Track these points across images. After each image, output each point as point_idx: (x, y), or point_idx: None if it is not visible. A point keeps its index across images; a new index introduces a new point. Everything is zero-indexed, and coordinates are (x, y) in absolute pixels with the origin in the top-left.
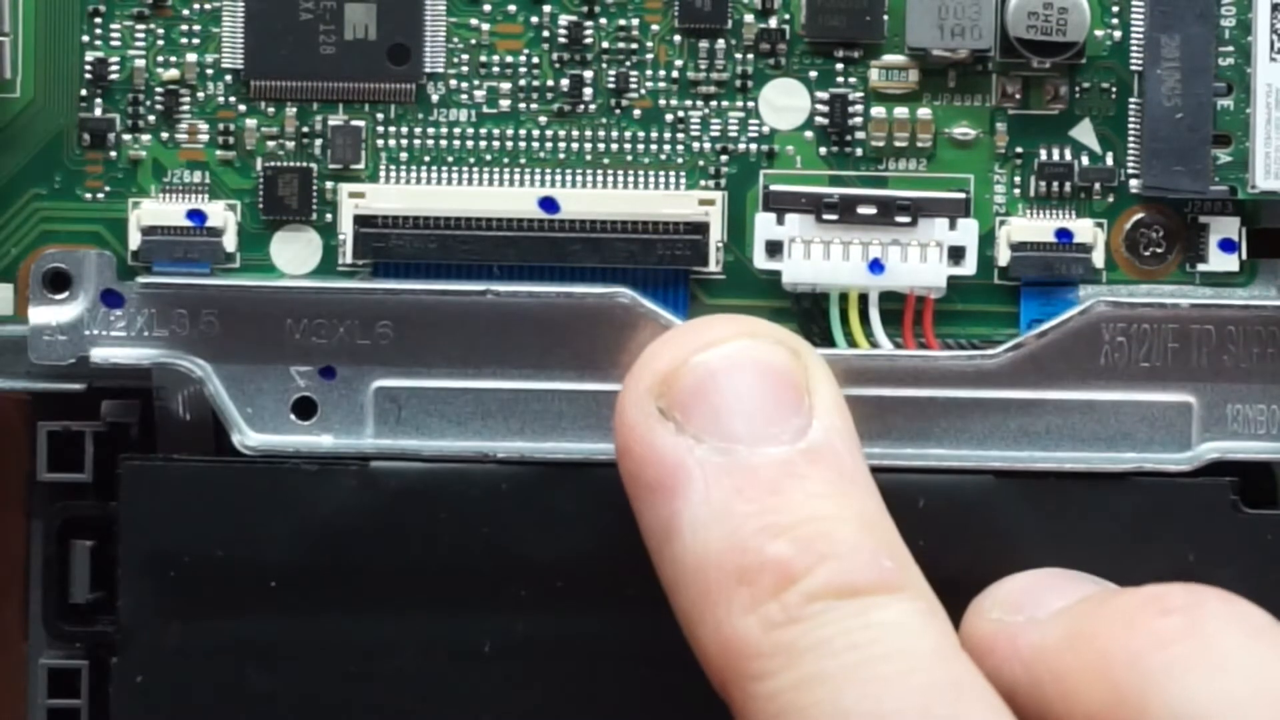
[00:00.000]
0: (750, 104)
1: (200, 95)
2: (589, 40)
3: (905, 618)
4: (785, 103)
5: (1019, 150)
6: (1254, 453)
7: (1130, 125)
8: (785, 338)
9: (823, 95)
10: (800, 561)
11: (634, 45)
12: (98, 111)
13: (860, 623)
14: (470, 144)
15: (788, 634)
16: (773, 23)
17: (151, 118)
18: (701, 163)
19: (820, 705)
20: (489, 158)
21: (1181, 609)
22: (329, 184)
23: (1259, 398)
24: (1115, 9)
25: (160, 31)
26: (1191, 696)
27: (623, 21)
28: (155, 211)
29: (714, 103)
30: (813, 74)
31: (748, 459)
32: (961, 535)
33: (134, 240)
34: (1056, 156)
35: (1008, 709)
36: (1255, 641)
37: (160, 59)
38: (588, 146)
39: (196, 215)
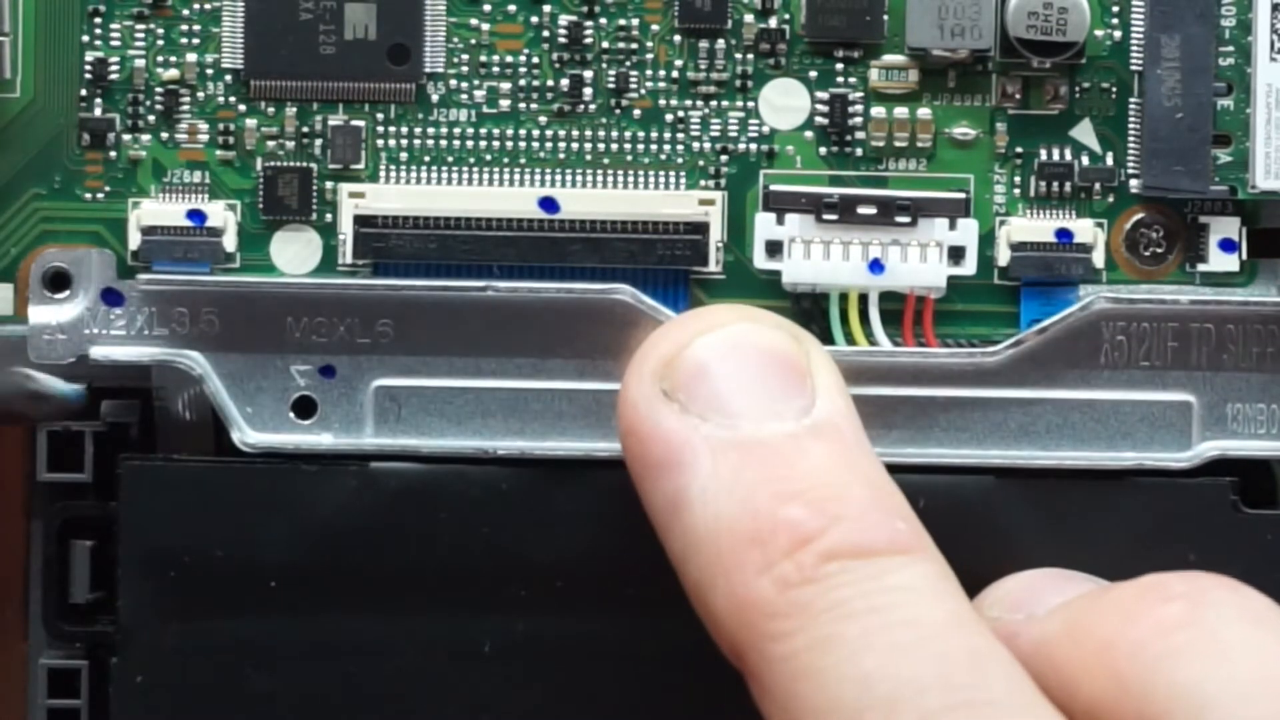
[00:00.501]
0: (750, 104)
1: (200, 95)
2: (589, 40)
3: (921, 581)
4: (785, 103)
5: (1019, 150)
6: (1254, 451)
7: (1130, 125)
8: (785, 324)
9: (823, 95)
10: (814, 522)
11: (634, 45)
12: (98, 111)
13: (877, 585)
14: (470, 144)
15: (804, 594)
16: (773, 23)
17: (151, 118)
18: (701, 163)
19: (840, 667)
20: (489, 158)
21: (1182, 596)
22: (329, 184)
23: (1259, 396)
24: (1115, 9)
25: (160, 31)
26: (1194, 684)
27: (623, 21)
28: (155, 211)
29: (714, 103)
30: (813, 74)
31: (754, 434)
32: (962, 534)
33: (134, 240)
34: (1056, 156)
35: (1027, 675)
36: (1257, 629)
37: (160, 59)
38: (588, 146)
39: (196, 215)
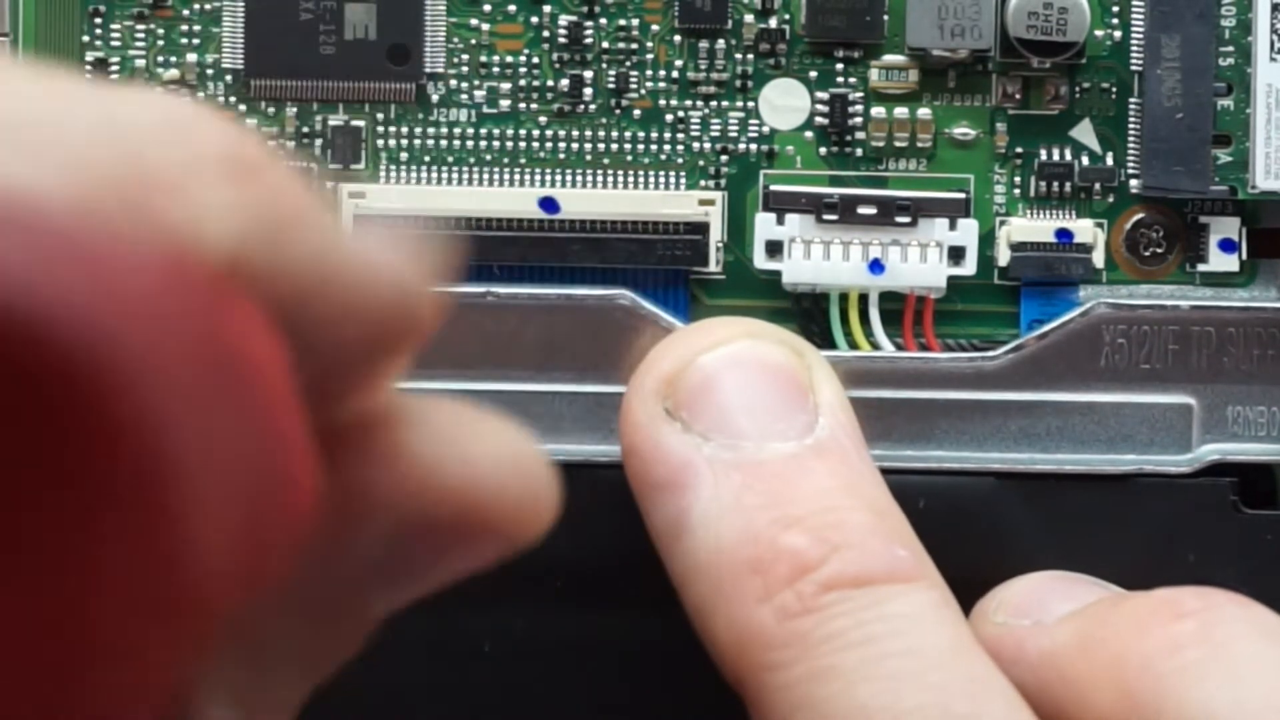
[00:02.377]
0: (750, 104)
1: (200, 95)
2: (589, 40)
3: (920, 609)
4: (785, 103)
5: (1019, 150)
6: (1254, 454)
7: (1130, 125)
8: (788, 338)
9: (823, 95)
10: (814, 551)
11: (634, 45)
12: None
13: (875, 614)
14: (470, 144)
15: (802, 624)
16: (773, 23)
17: None
18: (701, 163)
19: (837, 699)
20: (489, 158)
21: (1195, 613)
22: (329, 184)
23: (1259, 399)
24: (1115, 9)
25: (160, 32)
26: (1206, 702)
27: (623, 21)
28: None
29: (714, 103)
30: (813, 74)
31: (755, 455)
32: (962, 536)
33: None
34: (1056, 156)
35: (1025, 704)
36: (1270, 647)
37: (160, 59)
38: (588, 146)
39: None
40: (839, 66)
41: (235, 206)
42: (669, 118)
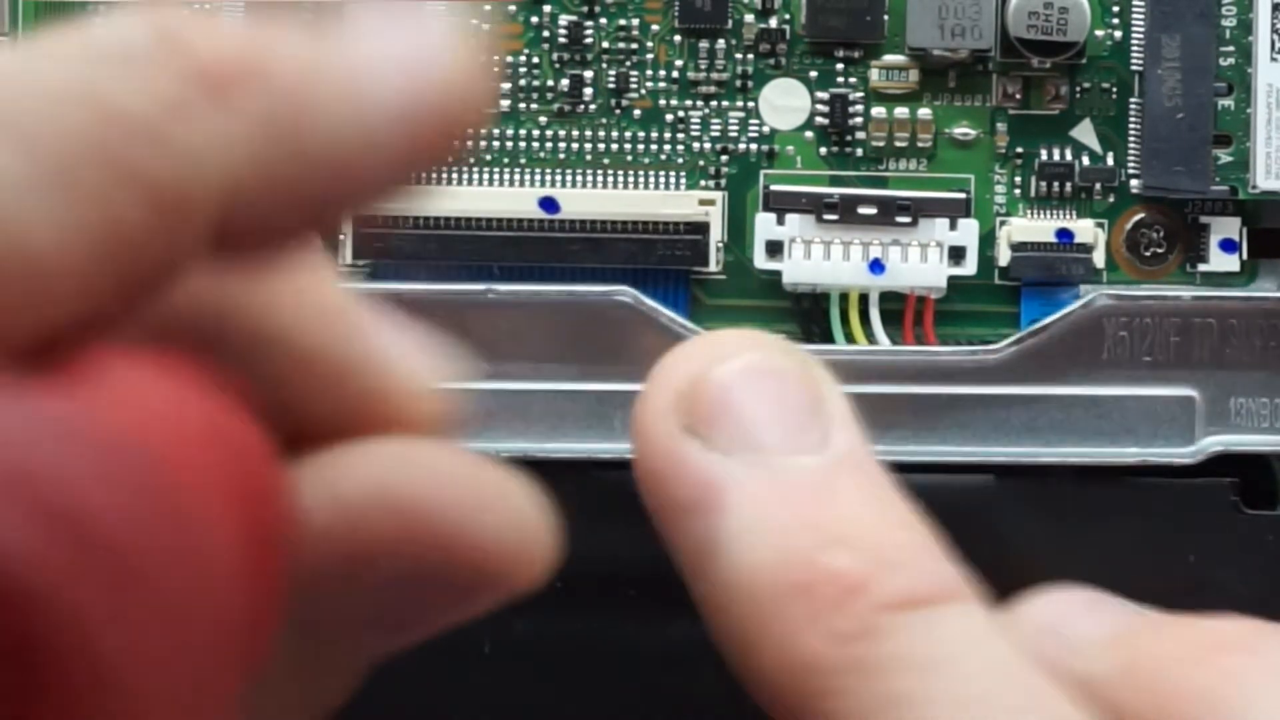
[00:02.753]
0: (750, 104)
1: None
2: (589, 40)
3: (973, 627)
4: (785, 103)
5: (1019, 150)
6: (1256, 446)
7: (1130, 125)
8: (792, 349)
9: (823, 95)
10: (860, 572)
11: (634, 45)
12: None
13: (931, 636)
14: (470, 144)
15: (857, 649)
16: (773, 23)
17: None
18: (701, 163)
19: None
20: (489, 158)
21: (1249, 647)
22: None
23: (1261, 390)
24: (1115, 9)
25: None
26: None
27: (623, 21)
28: None
29: (714, 103)
30: (813, 74)
31: (782, 469)
32: (964, 531)
33: None
34: (1057, 156)
35: (1083, 706)
36: None
37: None
38: (588, 146)
39: None
40: (839, 66)
41: (232, 129)
42: (669, 118)
